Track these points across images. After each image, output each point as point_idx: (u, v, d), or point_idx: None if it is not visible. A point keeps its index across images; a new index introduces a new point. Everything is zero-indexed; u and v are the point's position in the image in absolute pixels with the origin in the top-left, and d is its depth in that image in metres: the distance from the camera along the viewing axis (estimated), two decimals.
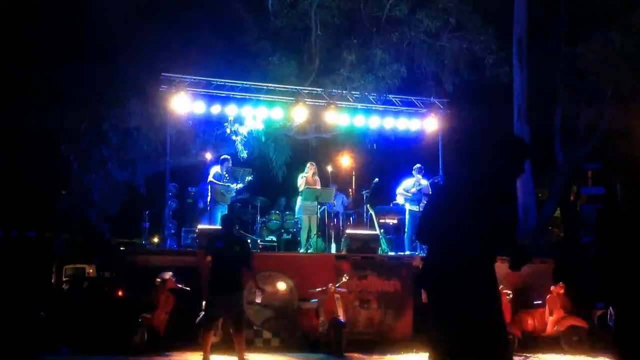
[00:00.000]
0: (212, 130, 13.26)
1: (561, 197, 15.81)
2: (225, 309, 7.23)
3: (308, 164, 11.73)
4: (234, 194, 11.32)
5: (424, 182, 11.58)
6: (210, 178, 11.33)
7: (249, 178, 11.41)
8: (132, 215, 12.83)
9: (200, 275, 8.55)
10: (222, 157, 11.79)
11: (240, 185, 11.33)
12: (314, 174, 11.59)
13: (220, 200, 11.22)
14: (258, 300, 7.64)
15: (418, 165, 11.69)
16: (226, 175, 11.26)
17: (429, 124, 12.93)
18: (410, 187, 11.50)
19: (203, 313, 7.48)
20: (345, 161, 15.53)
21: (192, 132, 13.23)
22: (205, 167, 12.31)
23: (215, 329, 7.47)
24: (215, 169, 11.42)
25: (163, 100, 11.97)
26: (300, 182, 11.49)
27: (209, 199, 11.24)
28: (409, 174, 11.76)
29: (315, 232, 11.13)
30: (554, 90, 14.04)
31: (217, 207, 11.18)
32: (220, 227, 8.18)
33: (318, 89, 12.59)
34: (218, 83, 11.91)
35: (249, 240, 10.25)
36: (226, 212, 10.54)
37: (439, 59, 13.00)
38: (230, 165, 11.52)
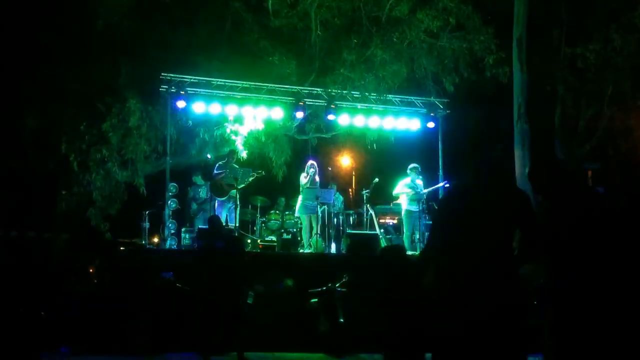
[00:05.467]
0: (212, 130, 13.25)
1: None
2: (225, 309, 7.24)
3: (310, 163, 11.72)
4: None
5: (419, 182, 11.60)
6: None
7: (251, 178, 11.42)
8: (132, 215, 12.82)
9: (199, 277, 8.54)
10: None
11: (241, 185, 11.36)
12: (315, 173, 11.60)
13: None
14: (249, 301, 7.64)
15: (413, 164, 11.68)
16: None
17: (429, 124, 12.94)
18: (409, 185, 11.49)
19: (204, 313, 7.47)
20: (345, 161, 15.53)
21: (192, 132, 13.23)
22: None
23: (215, 329, 7.47)
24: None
25: (163, 100, 11.97)
26: (304, 180, 11.46)
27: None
28: (405, 174, 11.77)
29: (316, 232, 11.13)
30: (554, 90, 14.03)
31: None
32: (210, 228, 8.17)
33: (318, 89, 12.60)
34: (218, 83, 11.92)
35: (248, 240, 10.28)
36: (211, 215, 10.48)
37: (439, 59, 12.99)
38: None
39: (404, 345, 4.49)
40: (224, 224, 8.84)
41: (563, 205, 3.94)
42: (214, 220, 7.87)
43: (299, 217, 11.62)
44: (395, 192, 11.66)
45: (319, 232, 11.21)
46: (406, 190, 11.45)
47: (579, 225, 3.83)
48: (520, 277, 3.70)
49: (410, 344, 4.46)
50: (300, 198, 11.47)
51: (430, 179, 12.22)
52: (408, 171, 11.62)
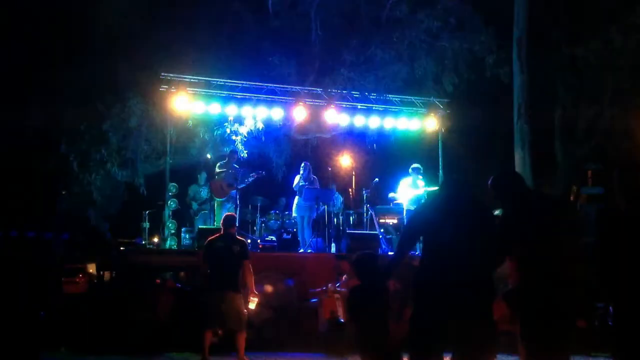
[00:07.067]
0: (212, 130, 13.26)
1: (561, 197, 15.78)
2: (225, 309, 7.23)
3: (302, 164, 11.78)
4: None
5: (421, 183, 11.61)
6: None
7: (251, 178, 11.42)
8: (132, 215, 12.83)
9: (200, 275, 8.54)
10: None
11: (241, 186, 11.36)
12: (309, 173, 11.61)
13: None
14: (252, 306, 7.60)
15: (415, 165, 11.69)
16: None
17: (429, 124, 12.94)
18: (410, 186, 11.51)
19: (203, 313, 7.46)
20: (345, 161, 15.52)
21: (192, 132, 13.23)
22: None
23: (215, 330, 7.46)
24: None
25: (163, 100, 11.97)
26: (295, 181, 11.54)
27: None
28: (408, 174, 11.78)
29: (313, 232, 11.14)
30: (554, 90, 14.03)
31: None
32: (220, 228, 8.16)
33: (318, 89, 12.59)
34: (218, 83, 11.91)
35: (248, 241, 10.24)
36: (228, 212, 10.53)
37: (439, 59, 13.00)
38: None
39: (375, 348, 4.79)
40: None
41: (519, 213, 4.23)
42: (227, 220, 7.81)
43: (295, 217, 11.66)
44: (396, 194, 11.71)
45: (318, 232, 11.21)
46: (402, 195, 11.50)
47: (532, 231, 4.12)
48: (493, 277, 4.15)
49: (382, 346, 4.74)
50: (296, 198, 11.50)
51: (430, 179, 12.22)
52: (410, 171, 11.63)
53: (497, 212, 5.98)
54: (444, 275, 4.05)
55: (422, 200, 11.10)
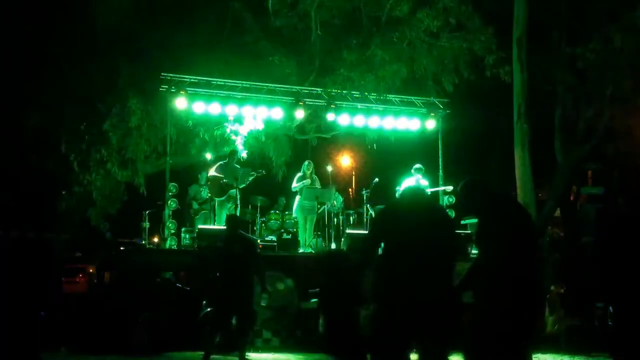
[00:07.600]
0: (212, 130, 13.25)
1: (561, 197, 15.80)
2: (235, 310, 7.21)
3: (305, 163, 11.76)
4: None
5: (424, 183, 11.60)
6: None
7: (251, 178, 11.41)
8: (132, 215, 12.83)
9: (207, 275, 8.53)
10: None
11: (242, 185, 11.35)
12: (311, 173, 11.61)
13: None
14: (263, 303, 7.60)
15: (418, 165, 11.69)
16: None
17: (429, 124, 12.95)
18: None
19: (211, 314, 7.43)
20: (345, 161, 15.53)
21: (192, 132, 13.23)
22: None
23: (220, 329, 7.44)
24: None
25: (163, 100, 11.97)
26: (293, 183, 11.54)
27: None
28: (409, 174, 11.78)
29: (313, 232, 11.14)
30: (554, 90, 14.03)
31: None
32: (225, 227, 8.14)
33: (318, 89, 12.60)
34: (218, 83, 11.92)
35: (258, 241, 10.25)
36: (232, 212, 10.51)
37: (439, 59, 12.98)
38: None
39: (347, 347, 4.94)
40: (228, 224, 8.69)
41: (496, 217, 4.24)
42: (231, 219, 7.80)
43: (295, 217, 11.66)
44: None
45: (317, 232, 11.21)
46: None
47: (509, 234, 4.12)
48: (452, 278, 4.25)
49: (352, 346, 4.89)
50: (297, 197, 11.49)
51: (430, 179, 12.22)
52: (413, 171, 11.62)
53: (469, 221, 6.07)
54: (405, 276, 4.12)
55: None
